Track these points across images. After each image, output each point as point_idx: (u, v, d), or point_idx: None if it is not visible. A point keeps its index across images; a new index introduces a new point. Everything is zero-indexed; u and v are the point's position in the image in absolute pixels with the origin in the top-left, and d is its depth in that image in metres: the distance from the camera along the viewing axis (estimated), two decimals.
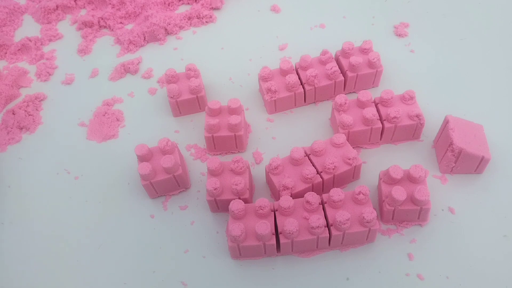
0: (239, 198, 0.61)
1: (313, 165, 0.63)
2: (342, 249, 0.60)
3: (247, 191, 0.61)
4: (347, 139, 0.66)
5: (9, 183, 0.70)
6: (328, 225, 0.57)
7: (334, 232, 0.57)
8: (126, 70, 0.83)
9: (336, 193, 0.58)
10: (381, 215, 0.62)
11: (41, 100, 0.81)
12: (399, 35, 0.84)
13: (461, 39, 0.83)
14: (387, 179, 0.60)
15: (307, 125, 0.73)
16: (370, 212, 0.56)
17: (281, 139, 0.72)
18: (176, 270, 0.60)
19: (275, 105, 0.73)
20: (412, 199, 0.58)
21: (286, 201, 0.58)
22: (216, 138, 0.68)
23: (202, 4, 0.93)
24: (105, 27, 0.92)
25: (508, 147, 0.68)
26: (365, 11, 0.89)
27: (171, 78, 0.74)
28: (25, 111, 0.78)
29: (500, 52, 0.80)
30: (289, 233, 0.56)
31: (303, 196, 0.59)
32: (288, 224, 0.56)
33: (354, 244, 0.60)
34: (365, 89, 0.76)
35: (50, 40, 0.91)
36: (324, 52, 0.75)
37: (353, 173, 0.65)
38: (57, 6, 0.95)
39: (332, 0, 0.92)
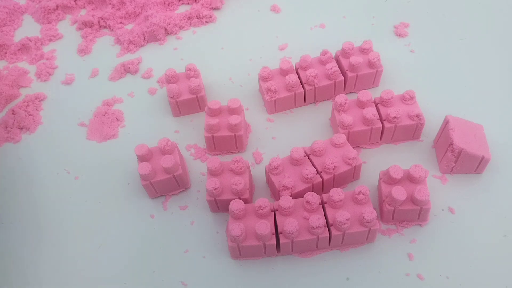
0: (239, 198, 0.61)
1: (313, 165, 0.63)
2: (342, 249, 0.60)
3: (247, 191, 0.61)
4: (347, 139, 0.66)
5: (9, 183, 0.70)
6: (328, 225, 0.57)
7: (334, 232, 0.57)
8: (126, 70, 0.83)
9: (336, 193, 0.58)
10: (381, 215, 0.62)
11: (41, 100, 0.81)
12: (399, 35, 0.84)
13: (461, 39, 0.83)
14: (387, 179, 0.60)
15: (307, 125, 0.73)
16: (370, 212, 0.56)
17: (281, 139, 0.72)
18: (176, 270, 0.60)
19: (275, 105, 0.73)
20: (412, 199, 0.58)
21: (286, 201, 0.58)
22: (216, 138, 0.68)
23: (202, 4, 0.93)
24: (105, 27, 0.92)
25: (508, 147, 0.68)
26: (365, 11, 0.89)
27: (171, 78, 0.74)
28: (25, 111, 0.78)
29: (500, 52, 0.80)
30: (289, 233, 0.56)
31: (303, 196, 0.59)
32: (288, 224, 0.56)
33: (354, 244, 0.60)
34: (365, 89, 0.76)
35: (50, 40, 0.91)
36: (324, 52, 0.75)
37: (353, 173, 0.65)
38: (57, 6, 0.95)
39: (332, 0, 0.92)
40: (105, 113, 0.77)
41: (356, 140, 0.68)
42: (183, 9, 0.93)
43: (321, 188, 0.63)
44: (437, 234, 0.60)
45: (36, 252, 0.63)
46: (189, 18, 0.91)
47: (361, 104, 0.68)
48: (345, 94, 0.76)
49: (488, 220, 0.61)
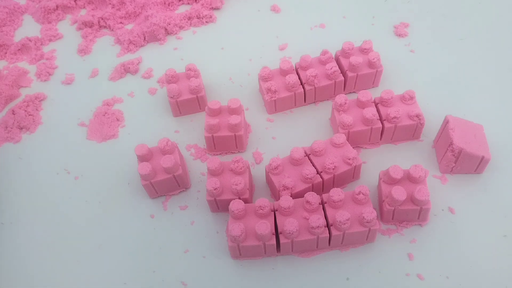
0: (239, 198, 0.61)
1: (313, 165, 0.63)
2: (342, 249, 0.60)
3: (247, 191, 0.61)
4: (347, 139, 0.66)
5: (9, 183, 0.70)
6: (328, 225, 0.57)
7: (334, 232, 0.57)
8: (126, 70, 0.83)
9: (336, 193, 0.58)
10: (381, 215, 0.62)
11: (41, 100, 0.81)
12: (399, 35, 0.84)
13: (461, 39, 0.83)
14: (387, 179, 0.60)
15: (307, 125, 0.73)
16: (370, 212, 0.56)
17: (281, 139, 0.72)
18: (176, 270, 0.60)
19: (275, 105, 0.74)
20: (412, 199, 0.58)
21: (286, 201, 0.58)
22: (216, 138, 0.68)
23: (202, 4, 0.93)
24: (105, 27, 0.92)
25: (508, 147, 0.68)
26: (365, 11, 0.89)
27: (171, 78, 0.74)
28: (25, 111, 0.78)
29: (500, 52, 0.80)
30: (289, 233, 0.56)
31: (303, 196, 0.59)
32: (288, 224, 0.56)
33: (354, 244, 0.60)
34: (365, 89, 0.76)
35: (50, 40, 0.91)
36: (324, 52, 0.75)
37: (353, 173, 0.65)
38: (57, 6, 0.95)
39: (332, 0, 0.92)
40: (105, 113, 0.77)
41: (356, 140, 0.68)
42: (183, 9, 0.93)
43: (321, 188, 0.63)
44: (437, 234, 0.60)
45: (36, 252, 0.63)
46: (189, 18, 0.91)
47: (361, 104, 0.68)
48: (345, 94, 0.76)
49: (488, 220, 0.61)
